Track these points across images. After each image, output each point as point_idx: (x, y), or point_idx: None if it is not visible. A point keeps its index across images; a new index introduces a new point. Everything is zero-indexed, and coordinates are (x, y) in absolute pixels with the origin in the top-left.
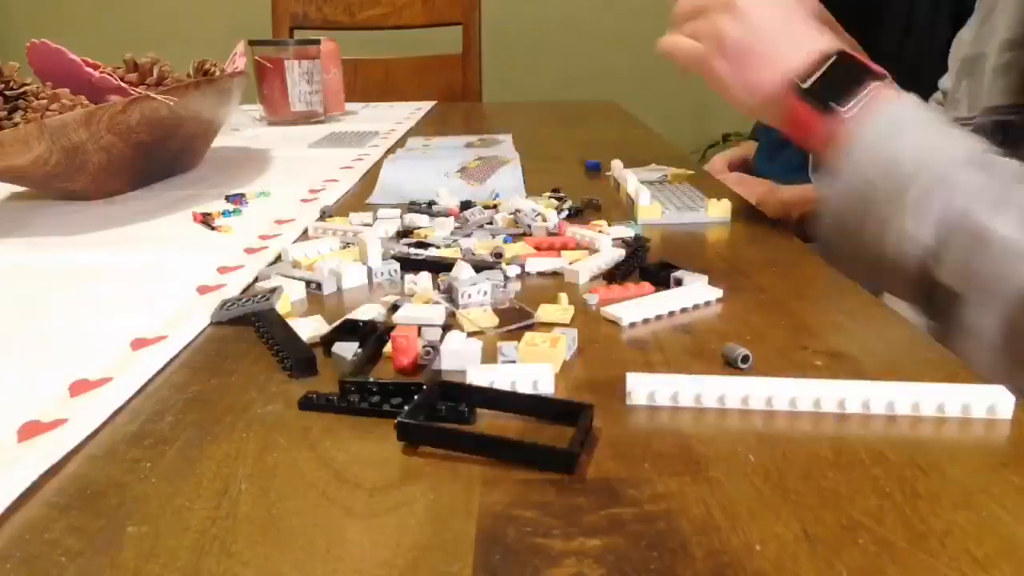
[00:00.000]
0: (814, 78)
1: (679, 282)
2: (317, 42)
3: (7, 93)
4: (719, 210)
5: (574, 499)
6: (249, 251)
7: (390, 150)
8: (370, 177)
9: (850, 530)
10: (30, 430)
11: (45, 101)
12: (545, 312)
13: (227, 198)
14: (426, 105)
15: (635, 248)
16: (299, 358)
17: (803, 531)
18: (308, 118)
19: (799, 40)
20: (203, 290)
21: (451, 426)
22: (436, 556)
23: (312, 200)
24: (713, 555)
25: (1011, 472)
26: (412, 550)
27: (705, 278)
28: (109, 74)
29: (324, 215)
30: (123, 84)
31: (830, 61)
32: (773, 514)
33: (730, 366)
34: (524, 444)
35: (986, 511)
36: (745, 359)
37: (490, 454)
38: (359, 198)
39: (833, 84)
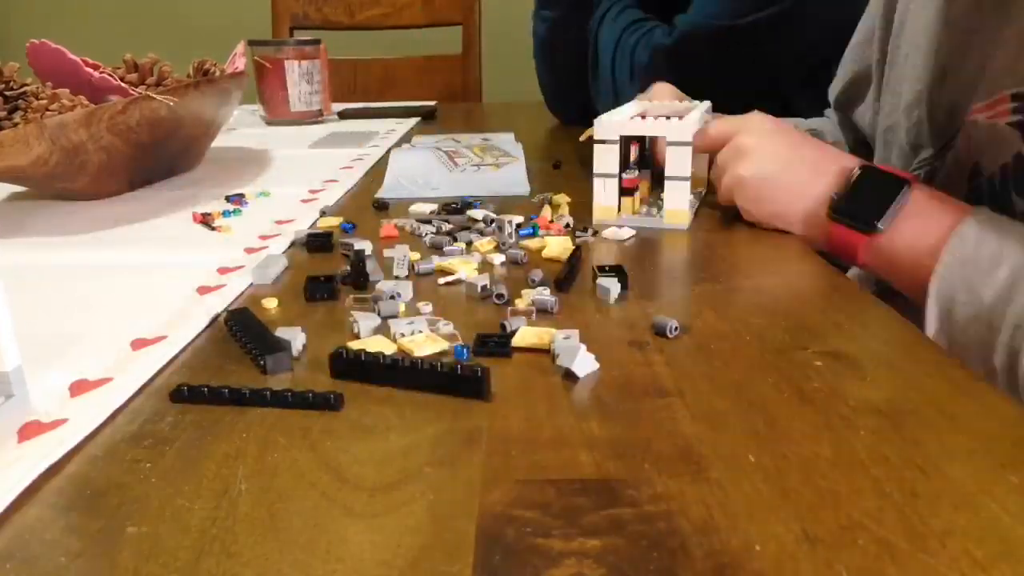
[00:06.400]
0: (843, 197)
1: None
2: (317, 42)
3: (7, 93)
4: (676, 219)
5: (574, 499)
6: (249, 251)
7: (395, 145)
8: (372, 174)
9: (850, 530)
10: (30, 430)
11: (45, 101)
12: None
13: (227, 198)
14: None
15: (573, 255)
16: (271, 353)
17: (803, 531)
18: (308, 118)
19: (818, 165)
20: (203, 290)
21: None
22: (436, 556)
23: (312, 200)
24: (713, 555)
25: (1011, 472)
26: (412, 550)
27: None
28: (109, 74)
29: (323, 215)
30: (123, 84)
31: (855, 177)
32: (773, 514)
33: (658, 335)
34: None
35: (986, 511)
36: (674, 329)
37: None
38: (359, 198)
39: (864, 200)
